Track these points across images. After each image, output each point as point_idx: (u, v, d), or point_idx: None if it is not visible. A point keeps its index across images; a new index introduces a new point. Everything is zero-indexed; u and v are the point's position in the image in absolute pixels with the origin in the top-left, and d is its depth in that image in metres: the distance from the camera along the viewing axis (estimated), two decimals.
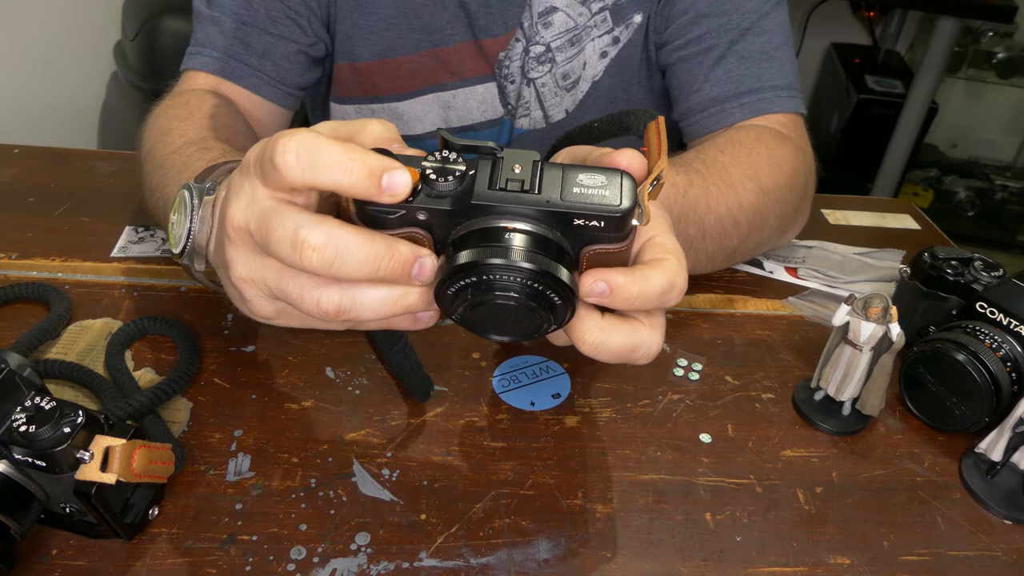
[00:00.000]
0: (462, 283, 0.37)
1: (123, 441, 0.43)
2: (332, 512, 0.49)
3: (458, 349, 0.63)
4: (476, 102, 0.85)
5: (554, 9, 0.80)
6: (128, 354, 0.59)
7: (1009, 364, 0.56)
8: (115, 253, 0.70)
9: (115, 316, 0.63)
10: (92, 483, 0.41)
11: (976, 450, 0.56)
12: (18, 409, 0.41)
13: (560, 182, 0.37)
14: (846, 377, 0.57)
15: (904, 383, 0.61)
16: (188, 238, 0.46)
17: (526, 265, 0.36)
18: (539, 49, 0.82)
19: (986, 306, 0.58)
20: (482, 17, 0.79)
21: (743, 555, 0.49)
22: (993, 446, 0.55)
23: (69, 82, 1.71)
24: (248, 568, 0.45)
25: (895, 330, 0.54)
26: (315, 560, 0.46)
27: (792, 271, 0.76)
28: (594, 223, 0.37)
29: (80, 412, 0.42)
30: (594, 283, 0.38)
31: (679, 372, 0.63)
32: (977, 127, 2.57)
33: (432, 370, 0.59)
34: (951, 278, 0.62)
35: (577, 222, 0.37)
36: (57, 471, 0.41)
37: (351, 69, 0.83)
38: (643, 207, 0.37)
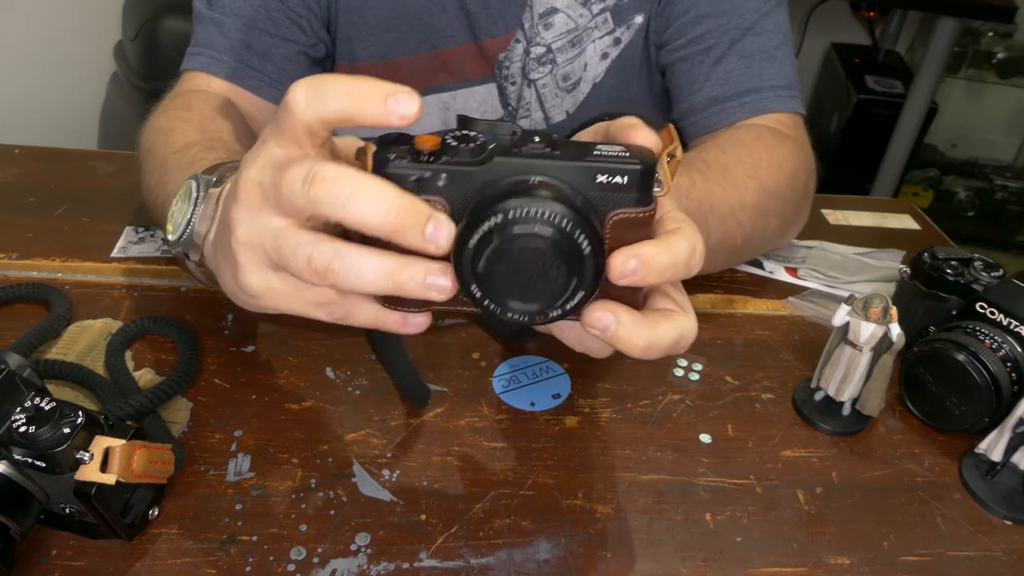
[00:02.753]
0: (488, 224, 0.35)
1: (123, 441, 0.43)
2: (332, 512, 0.49)
3: (458, 349, 0.63)
4: (476, 103, 0.85)
5: (555, 10, 0.80)
6: (128, 354, 0.59)
7: (1009, 364, 0.56)
8: (115, 253, 0.70)
9: (115, 316, 0.63)
10: (92, 483, 0.41)
11: (976, 450, 0.56)
12: (18, 409, 0.41)
13: (580, 149, 0.37)
14: (846, 377, 0.57)
15: (904, 383, 0.61)
16: (187, 227, 0.46)
17: (557, 206, 0.35)
18: (540, 50, 0.82)
19: (986, 306, 0.58)
20: (482, 18, 0.79)
21: (743, 555, 0.49)
22: (993, 446, 0.55)
23: (69, 82, 1.70)
24: (248, 568, 0.45)
25: (895, 330, 0.54)
26: (315, 560, 0.46)
27: (792, 271, 0.76)
28: (617, 179, 0.36)
29: (80, 412, 0.42)
30: (625, 261, 0.37)
31: (679, 372, 0.63)
32: (977, 127, 2.57)
33: (432, 370, 0.59)
34: (951, 278, 0.62)
35: (600, 179, 0.36)
36: (57, 471, 0.41)
37: (351, 70, 0.83)
38: (662, 177, 0.37)
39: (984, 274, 0.61)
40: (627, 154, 0.37)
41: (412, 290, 0.37)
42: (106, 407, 0.52)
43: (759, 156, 0.69)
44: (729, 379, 0.63)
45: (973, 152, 2.60)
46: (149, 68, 1.60)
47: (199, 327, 0.62)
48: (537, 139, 0.37)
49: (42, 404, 0.42)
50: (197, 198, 0.46)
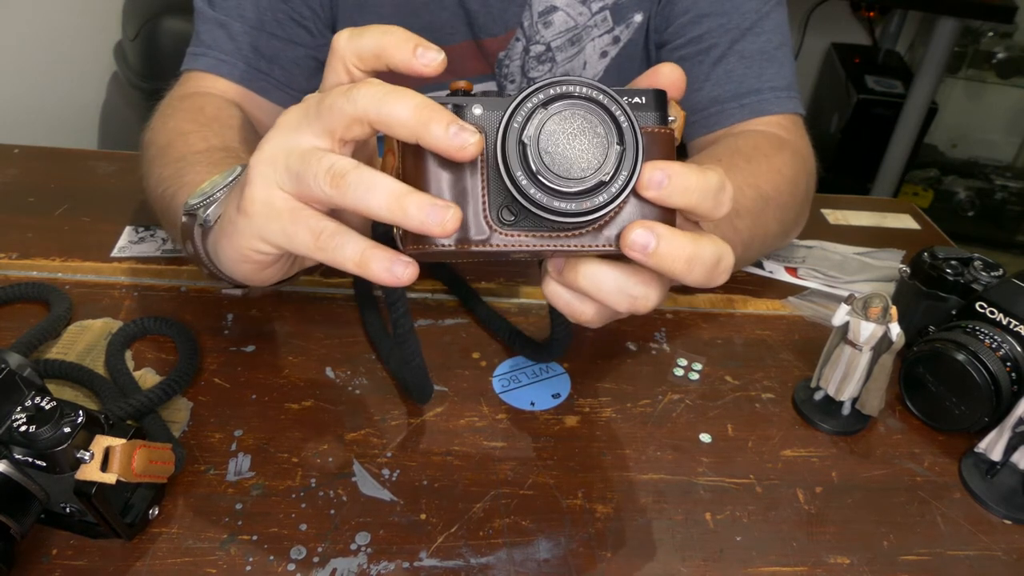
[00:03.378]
0: (541, 91, 0.36)
1: (123, 441, 0.43)
2: (332, 512, 0.49)
3: (458, 349, 0.63)
4: None
5: (554, 8, 0.80)
6: (128, 354, 0.59)
7: (1009, 364, 0.56)
8: (115, 253, 0.70)
9: (115, 316, 0.63)
10: (92, 483, 0.41)
11: (976, 450, 0.56)
12: (18, 409, 0.41)
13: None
14: (846, 377, 0.57)
15: (904, 383, 0.61)
16: (214, 196, 0.48)
17: (596, 81, 0.37)
18: (539, 48, 0.82)
19: (986, 306, 0.58)
20: (482, 16, 0.79)
21: (743, 555, 0.49)
22: (993, 446, 0.55)
23: (69, 82, 1.70)
24: (248, 568, 0.45)
25: (895, 330, 0.54)
26: (315, 560, 0.46)
27: (792, 271, 0.76)
28: (636, 99, 0.39)
29: (80, 412, 0.42)
30: (652, 171, 0.37)
31: (679, 372, 0.63)
32: (977, 127, 2.57)
33: (432, 370, 0.59)
34: (951, 278, 0.62)
35: (623, 99, 0.38)
36: (57, 471, 0.41)
37: None
38: (673, 110, 0.40)
39: (984, 274, 0.61)
40: (642, 87, 0.40)
41: (414, 217, 0.37)
42: (106, 407, 0.52)
43: (757, 164, 0.69)
44: (729, 379, 0.63)
45: (973, 152, 2.60)
46: (149, 68, 1.60)
47: (199, 327, 0.62)
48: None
49: (42, 404, 0.42)
50: (235, 178, 0.48)
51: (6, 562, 0.41)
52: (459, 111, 0.38)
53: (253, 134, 0.68)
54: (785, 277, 0.75)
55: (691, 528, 0.50)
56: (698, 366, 0.63)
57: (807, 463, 0.56)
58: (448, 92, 0.39)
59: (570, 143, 0.37)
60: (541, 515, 0.50)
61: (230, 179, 0.49)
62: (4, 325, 0.61)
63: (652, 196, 0.38)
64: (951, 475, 0.56)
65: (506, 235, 0.38)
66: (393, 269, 0.39)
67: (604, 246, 0.39)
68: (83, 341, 0.60)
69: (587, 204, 0.37)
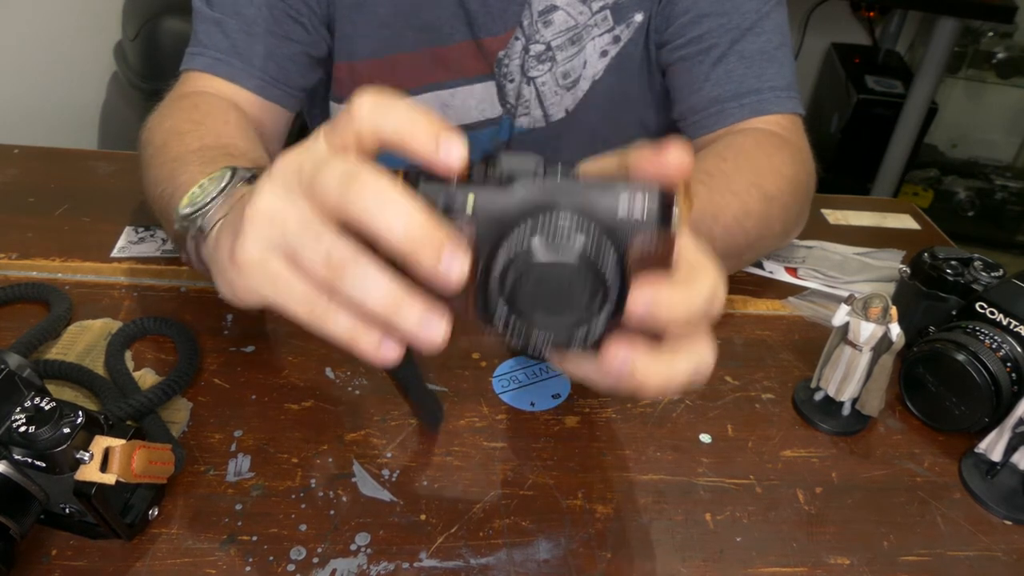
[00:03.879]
0: (516, 250, 0.36)
1: (123, 442, 0.43)
2: (332, 512, 0.49)
3: (458, 349, 0.63)
4: (475, 101, 0.85)
5: (554, 8, 0.80)
6: (128, 354, 0.59)
7: (1009, 364, 0.56)
8: (115, 253, 0.70)
9: (115, 316, 0.63)
10: (92, 483, 0.41)
11: (976, 450, 0.56)
12: (18, 409, 0.41)
13: (601, 179, 0.38)
14: (846, 377, 0.57)
15: (904, 383, 0.61)
16: (206, 206, 0.47)
17: (580, 234, 0.36)
18: (539, 48, 0.82)
19: (986, 306, 0.58)
20: (481, 16, 0.79)
21: (743, 555, 0.49)
22: (993, 446, 0.55)
23: (69, 82, 1.70)
24: (248, 568, 0.45)
25: (895, 330, 0.54)
26: (315, 560, 0.46)
27: (792, 271, 0.76)
28: (637, 209, 0.37)
29: (80, 412, 0.42)
30: (635, 302, 0.37)
31: None
32: (977, 127, 2.57)
33: (432, 370, 0.59)
34: (951, 278, 0.62)
35: (622, 209, 0.37)
36: (57, 472, 0.41)
37: (349, 68, 0.83)
38: (681, 208, 0.37)
39: (984, 274, 0.61)
40: (647, 184, 0.37)
41: (405, 328, 0.37)
42: (106, 407, 0.52)
43: (760, 163, 0.69)
44: (729, 379, 0.63)
45: (973, 152, 2.60)
46: (149, 68, 1.60)
47: (199, 327, 0.62)
48: (561, 168, 0.38)
49: (42, 404, 0.42)
50: (226, 185, 0.47)
51: (6, 563, 0.41)
52: (451, 205, 0.37)
53: (248, 131, 0.68)
54: (785, 277, 0.75)
55: (691, 528, 0.50)
56: None
57: (807, 463, 0.56)
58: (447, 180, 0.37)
59: (547, 311, 0.37)
60: (541, 515, 0.50)
61: (222, 186, 0.47)
62: (4, 325, 0.61)
63: (638, 319, 0.38)
64: (951, 475, 0.56)
65: (492, 332, 0.39)
66: (381, 352, 0.39)
67: (588, 349, 0.39)
68: (83, 341, 0.60)
69: (563, 347, 0.38)
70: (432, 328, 0.37)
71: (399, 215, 0.35)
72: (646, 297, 0.37)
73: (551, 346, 0.38)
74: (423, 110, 0.37)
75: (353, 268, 0.37)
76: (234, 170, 0.48)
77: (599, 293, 0.37)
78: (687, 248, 0.40)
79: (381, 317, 0.37)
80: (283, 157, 0.39)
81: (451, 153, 0.36)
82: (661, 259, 0.38)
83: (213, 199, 0.47)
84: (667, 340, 0.39)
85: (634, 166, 0.39)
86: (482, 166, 0.38)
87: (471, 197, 0.37)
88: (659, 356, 0.39)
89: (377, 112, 0.37)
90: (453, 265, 0.36)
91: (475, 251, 0.38)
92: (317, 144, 0.39)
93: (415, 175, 0.37)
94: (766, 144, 0.72)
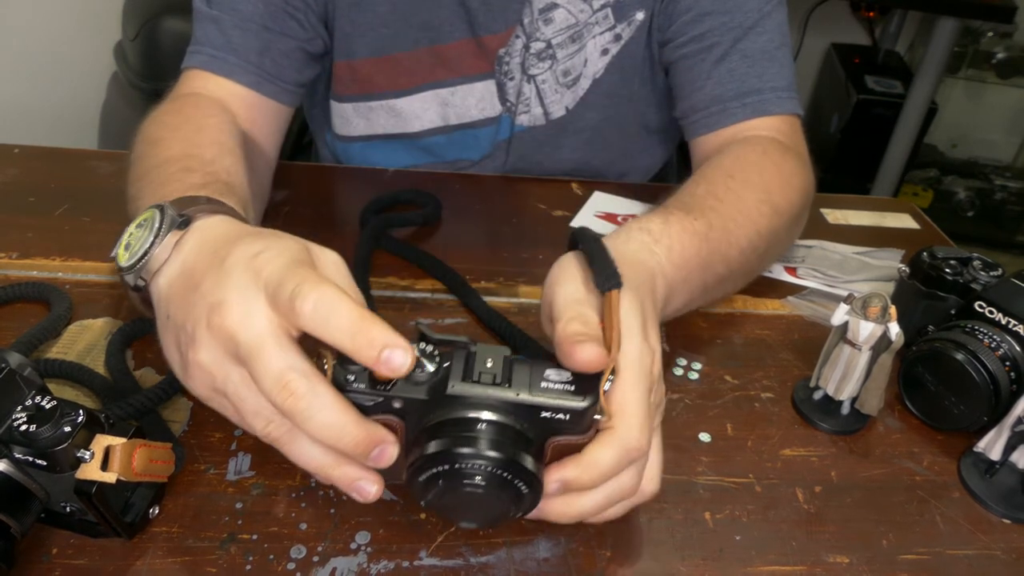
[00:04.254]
0: (433, 471, 0.39)
1: (123, 440, 0.43)
2: (332, 511, 0.49)
3: None
4: (475, 99, 0.85)
5: (555, 5, 0.80)
6: (128, 353, 0.59)
7: (1008, 363, 0.56)
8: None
9: (115, 316, 0.63)
10: (92, 482, 0.42)
11: (975, 449, 0.56)
12: (19, 408, 0.41)
13: (529, 378, 0.40)
14: (845, 376, 0.57)
15: (903, 382, 0.61)
16: (143, 258, 0.46)
17: (494, 454, 0.38)
18: (540, 46, 0.82)
19: (985, 305, 0.58)
20: (481, 14, 0.79)
21: (742, 554, 0.49)
22: (992, 445, 0.55)
23: (69, 82, 1.71)
24: (248, 567, 0.46)
25: (894, 329, 0.54)
26: (315, 559, 0.46)
27: (791, 271, 0.76)
28: (560, 416, 0.40)
29: (81, 411, 0.42)
30: (549, 484, 0.41)
31: (679, 371, 0.63)
32: (977, 127, 2.57)
33: None
34: (950, 278, 0.62)
35: (544, 415, 0.40)
36: (58, 470, 0.42)
37: (349, 67, 0.83)
38: (602, 405, 0.40)
39: (983, 273, 0.61)
40: (572, 386, 0.40)
41: (339, 482, 0.42)
42: (106, 406, 0.52)
43: (769, 176, 0.69)
44: (728, 378, 0.63)
45: (973, 152, 2.60)
46: (149, 68, 1.60)
47: None
48: (490, 363, 0.40)
49: (43, 403, 0.42)
50: (158, 233, 0.46)
51: (6, 561, 0.41)
52: (378, 407, 0.40)
53: (223, 136, 0.65)
54: (785, 277, 0.75)
55: (690, 527, 0.51)
56: (697, 365, 0.63)
57: (806, 462, 0.56)
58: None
59: (467, 513, 0.42)
60: None
61: (152, 236, 0.46)
62: (4, 325, 0.61)
63: (559, 503, 0.43)
64: (950, 474, 0.56)
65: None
66: (361, 489, 0.42)
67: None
68: (83, 341, 0.60)
69: (487, 523, 0.44)
70: (364, 489, 0.42)
71: (328, 428, 0.39)
72: (553, 489, 0.41)
73: (476, 526, 0.43)
74: (367, 320, 0.37)
75: (307, 401, 0.39)
76: (161, 208, 0.47)
77: (516, 500, 0.40)
78: (614, 395, 0.42)
79: (320, 460, 0.41)
80: (222, 309, 0.40)
81: (391, 365, 0.37)
82: (580, 448, 0.42)
83: (148, 248, 0.46)
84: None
85: (562, 347, 0.42)
86: (442, 350, 0.40)
87: (397, 403, 0.40)
88: (566, 501, 0.43)
89: (318, 320, 0.38)
90: (381, 459, 0.40)
91: (404, 442, 0.41)
92: (257, 309, 0.39)
93: (343, 368, 0.40)
94: (772, 153, 0.72)
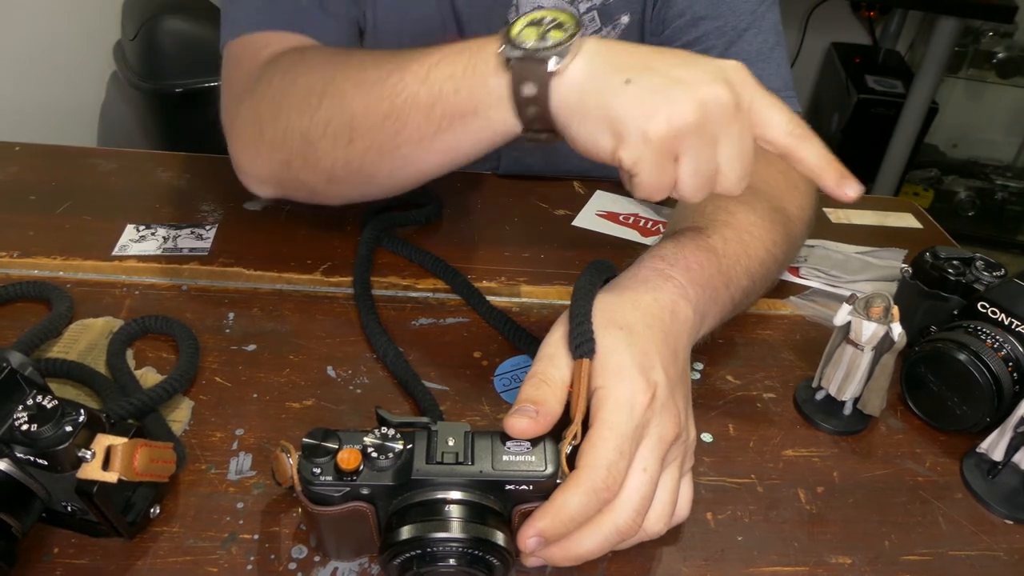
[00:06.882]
0: (407, 556, 0.40)
1: (125, 440, 0.43)
2: None
3: (459, 348, 0.63)
4: None
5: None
6: (129, 353, 0.59)
7: (1010, 364, 0.56)
8: (116, 252, 0.70)
9: (116, 315, 0.63)
10: (94, 482, 0.41)
11: (977, 450, 0.56)
12: (20, 408, 0.41)
13: (490, 451, 0.41)
14: (847, 377, 0.57)
15: (905, 383, 0.61)
16: (566, 43, 0.48)
17: (463, 536, 0.39)
18: None
19: (988, 306, 0.58)
20: (466, 14, 0.79)
21: (744, 555, 0.49)
22: (994, 446, 0.55)
23: (69, 82, 1.70)
24: (249, 567, 0.45)
25: (896, 330, 0.54)
26: (316, 559, 0.46)
27: (794, 270, 0.76)
28: (523, 487, 0.41)
29: (82, 411, 0.42)
30: (526, 541, 0.41)
31: None
32: (977, 127, 2.57)
33: (433, 368, 0.59)
34: (953, 278, 0.62)
35: (508, 487, 0.41)
36: (59, 470, 0.41)
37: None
38: (563, 470, 0.41)
39: (986, 274, 0.61)
40: (532, 456, 0.41)
41: None
42: (108, 405, 0.52)
43: (776, 182, 0.68)
44: (730, 378, 0.63)
45: (973, 152, 2.60)
46: (149, 68, 1.59)
47: (200, 326, 0.62)
48: (451, 442, 0.41)
49: (44, 402, 0.41)
50: (577, 28, 0.48)
51: (8, 561, 0.41)
52: (348, 496, 0.41)
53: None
54: (787, 277, 0.75)
55: (692, 528, 0.50)
56: (699, 365, 0.63)
57: (808, 463, 0.56)
58: (336, 462, 0.41)
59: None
60: None
61: (575, 28, 0.48)
62: (5, 324, 0.61)
63: (536, 553, 0.42)
64: (953, 475, 0.56)
65: None
66: None
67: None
68: (84, 340, 0.60)
69: None
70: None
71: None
72: (532, 544, 0.41)
73: None
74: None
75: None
76: (577, 21, 0.48)
77: (488, 573, 0.41)
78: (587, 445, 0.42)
79: None
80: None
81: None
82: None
83: (571, 39, 0.48)
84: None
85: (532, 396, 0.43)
86: (376, 442, 0.41)
87: (365, 490, 0.41)
88: (567, 543, 0.42)
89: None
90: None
91: (376, 526, 0.43)
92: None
93: (309, 460, 0.41)
94: (774, 157, 0.72)
